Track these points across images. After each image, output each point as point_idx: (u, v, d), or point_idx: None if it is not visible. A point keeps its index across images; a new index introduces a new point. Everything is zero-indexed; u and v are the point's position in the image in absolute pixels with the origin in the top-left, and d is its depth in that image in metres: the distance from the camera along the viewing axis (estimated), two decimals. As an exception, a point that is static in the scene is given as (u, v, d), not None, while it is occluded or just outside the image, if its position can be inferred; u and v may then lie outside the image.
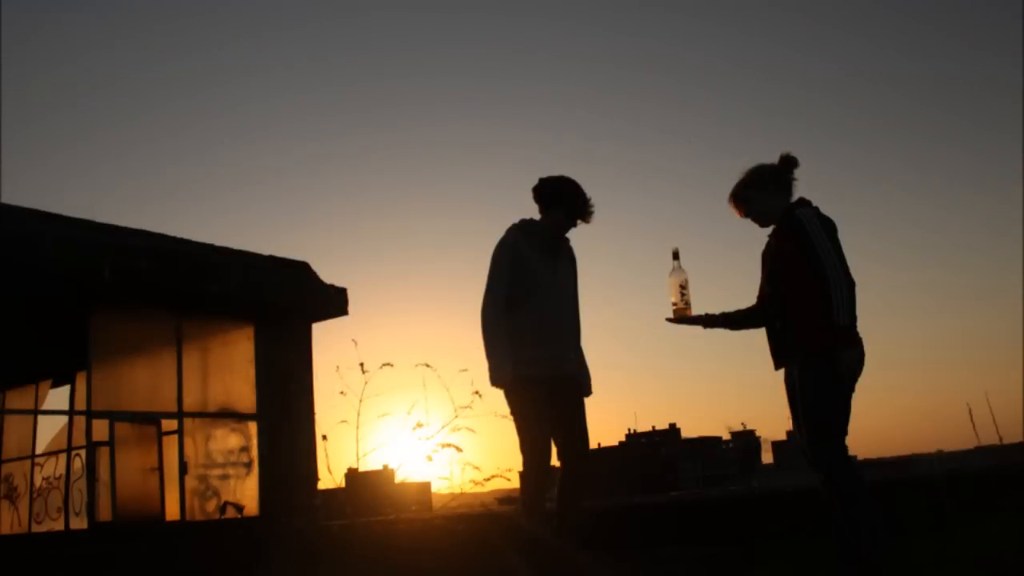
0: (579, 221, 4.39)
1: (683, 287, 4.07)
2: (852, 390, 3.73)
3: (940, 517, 3.75)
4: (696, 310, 4.13)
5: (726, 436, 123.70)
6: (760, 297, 4.07)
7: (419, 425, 5.45)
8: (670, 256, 4.12)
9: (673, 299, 4.08)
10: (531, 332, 4.24)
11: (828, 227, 3.79)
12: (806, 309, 3.75)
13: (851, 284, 3.69)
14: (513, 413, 4.25)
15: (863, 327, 3.64)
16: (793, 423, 3.87)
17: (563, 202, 4.35)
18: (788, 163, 4.00)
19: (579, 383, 4.38)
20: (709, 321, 4.13)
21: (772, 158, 4.04)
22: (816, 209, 3.90)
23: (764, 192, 3.98)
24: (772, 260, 3.95)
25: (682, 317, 4.09)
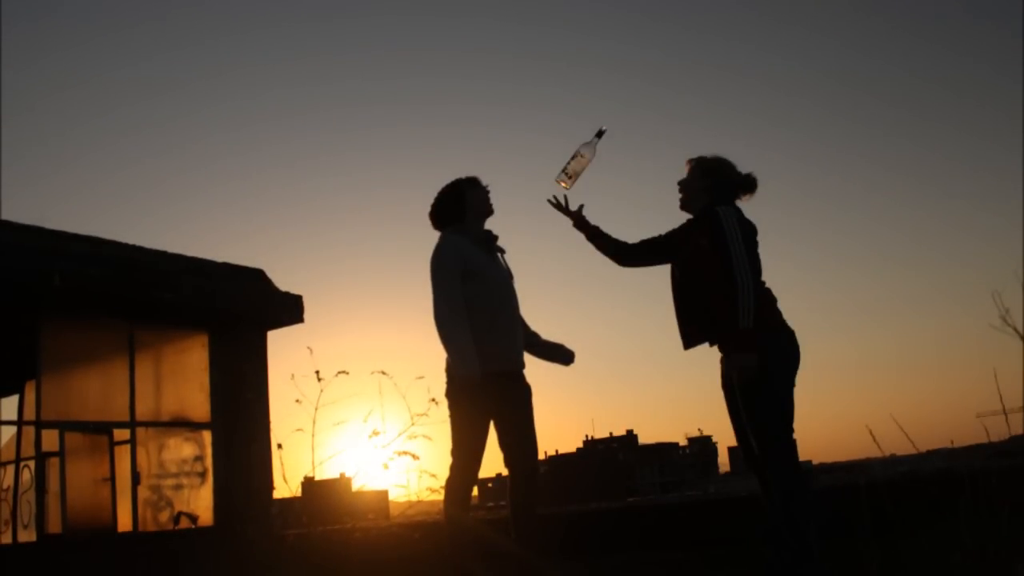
0: (489, 209, 4.49)
1: (572, 157, 4.17)
2: (787, 386, 3.78)
3: (889, 520, 3.80)
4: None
5: (683, 442, 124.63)
6: (646, 243, 4.23)
7: (375, 433, 5.42)
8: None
9: (564, 166, 4.20)
10: (487, 329, 4.26)
11: (746, 229, 3.87)
12: (717, 307, 3.82)
13: (757, 290, 3.78)
14: (458, 411, 4.25)
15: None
16: (734, 422, 3.92)
17: (466, 200, 4.45)
18: (747, 184, 4.07)
19: (523, 379, 4.42)
20: (579, 223, 4.27)
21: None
22: (738, 210, 3.98)
23: (699, 181, 4.08)
24: (684, 247, 4.03)
25: (557, 203, 4.26)
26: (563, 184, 4.24)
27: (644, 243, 4.29)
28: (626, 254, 4.32)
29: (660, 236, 4.24)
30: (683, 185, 4.15)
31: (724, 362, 3.92)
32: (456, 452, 4.25)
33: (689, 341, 4.01)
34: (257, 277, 11.84)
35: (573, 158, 4.18)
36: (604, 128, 4.11)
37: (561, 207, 4.39)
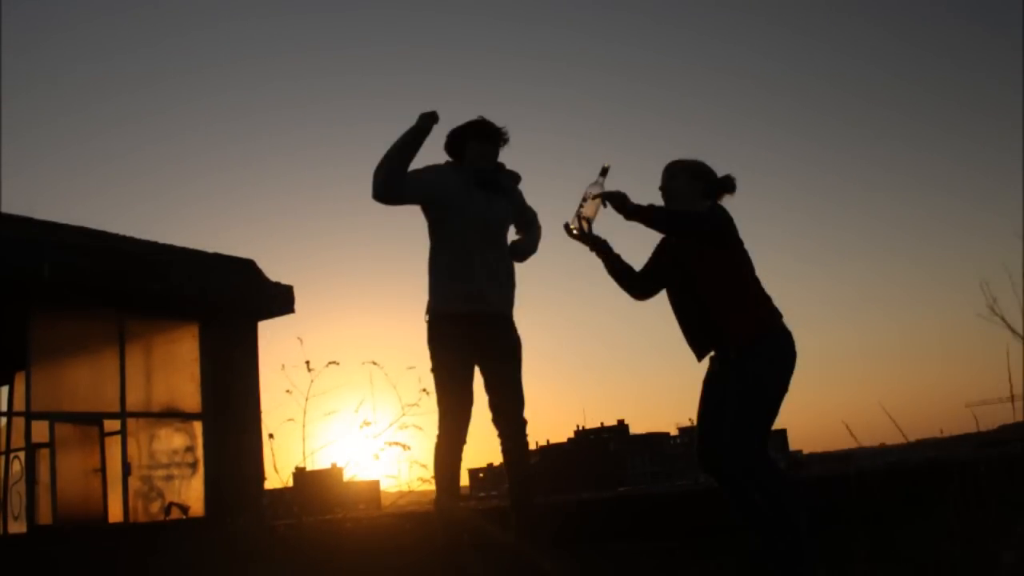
0: (499, 143, 4.22)
1: (584, 200, 3.87)
2: (786, 388, 3.75)
3: (878, 510, 3.82)
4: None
5: (674, 431, 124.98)
6: (644, 272, 4.08)
7: (366, 423, 5.40)
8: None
9: (578, 209, 3.94)
10: (461, 265, 4.09)
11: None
12: (735, 301, 3.78)
13: (754, 288, 3.82)
14: (438, 360, 4.08)
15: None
16: (706, 420, 3.83)
17: (468, 134, 4.19)
18: (725, 184, 4.05)
19: (510, 328, 4.20)
20: (597, 248, 4.03)
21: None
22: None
23: (691, 185, 4.01)
24: (683, 260, 3.94)
25: (571, 233, 3.96)
26: (574, 229, 3.97)
27: (645, 274, 4.12)
28: (639, 288, 4.13)
29: (651, 261, 4.10)
30: (674, 191, 4.02)
31: (718, 360, 3.88)
32: (441, 413, 4.07)
33: (701, 352, 3.95)
34: (248, 267, 11.82)
35: (582, 204, 3.93)
36: (608, 165, 3.88)
37: (576, 235, 4.10)
